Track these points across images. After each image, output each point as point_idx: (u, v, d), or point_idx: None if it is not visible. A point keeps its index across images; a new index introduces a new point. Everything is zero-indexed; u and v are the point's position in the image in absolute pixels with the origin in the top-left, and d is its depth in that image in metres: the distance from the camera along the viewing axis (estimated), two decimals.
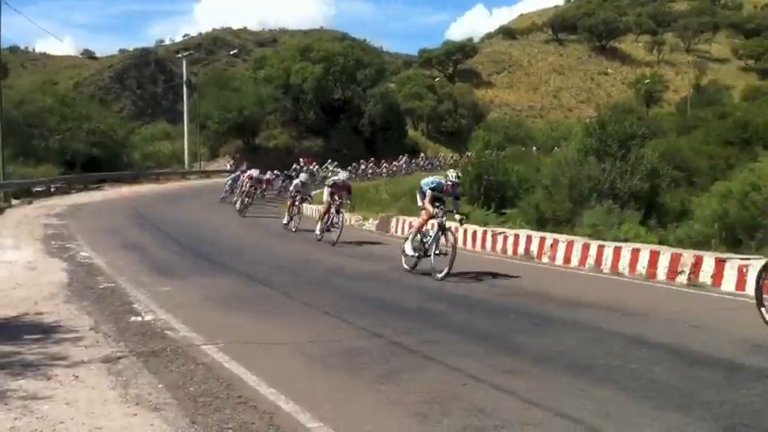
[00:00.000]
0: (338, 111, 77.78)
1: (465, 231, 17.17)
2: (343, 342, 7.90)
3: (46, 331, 8.25)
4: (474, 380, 6.45)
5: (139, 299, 10.30)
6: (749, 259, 11.06)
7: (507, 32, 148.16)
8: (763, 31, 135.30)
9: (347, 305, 10.05)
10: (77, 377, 6.47)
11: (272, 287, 11.59)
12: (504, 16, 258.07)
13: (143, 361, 7.01)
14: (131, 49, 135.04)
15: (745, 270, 10.73)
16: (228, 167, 53.80)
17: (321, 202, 20.31)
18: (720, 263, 11.38)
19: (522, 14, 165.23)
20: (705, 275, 11.57)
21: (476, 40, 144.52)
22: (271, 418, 5.46)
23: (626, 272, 13.21)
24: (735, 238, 16.43)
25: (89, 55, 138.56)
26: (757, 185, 19.00)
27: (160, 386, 6.23)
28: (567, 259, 14.65)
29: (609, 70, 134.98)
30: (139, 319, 9.02)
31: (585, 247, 14.37)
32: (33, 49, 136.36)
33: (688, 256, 11.94)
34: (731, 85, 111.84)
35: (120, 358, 7.12)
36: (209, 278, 12.53)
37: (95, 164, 47.94)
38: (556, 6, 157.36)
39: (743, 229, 16.39)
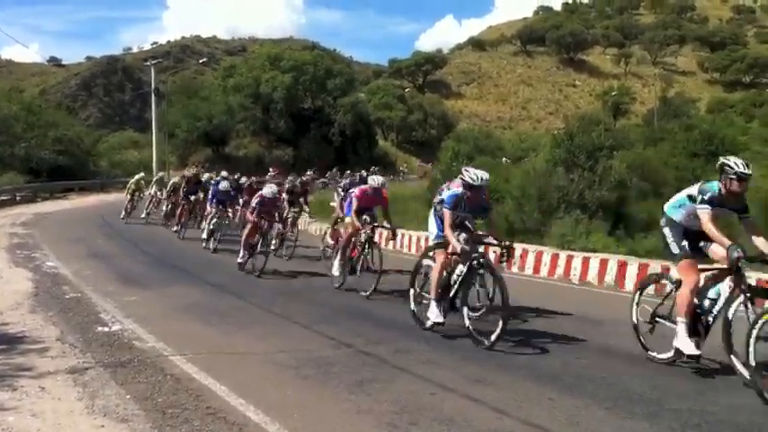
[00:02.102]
0: (308, 120, 77.68)
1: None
2: (313, 352, 7.87)
3: (11, 342, 8.13)
4: (444, 389, 6.46)
5: (106, 309, 10.18)
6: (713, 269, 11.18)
7: (477, 44, 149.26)
8: (728, 44, 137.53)
9: (318, 316, 10.00)
10: (43, 388, 6.38)
11: (242, 297, 11.50)
12: (473, 28, 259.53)
13: (110, 372, 6.93)
14: (99, 57, 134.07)
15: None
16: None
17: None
18: None
19: (491, 26, 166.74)
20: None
21: (445, 51, 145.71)
22: (240, 429, 5.42)
23: (595, 282, 13.32)
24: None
25: (56, 62, 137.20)
26: None
27: (128, 397, 6.15)
28: (537, 269, 14.74)
29: (577, 82, 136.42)
30: (106, 329, 8.91)
31: (554, 258, 14.48)
32: None
33: (655, 267, 12.05)
34: (697, 98, 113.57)
35: (86, 369, 7.03)
36: (177, 288, 12.40)
37: (62, 172, 47.36)
38: (524, 18, 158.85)
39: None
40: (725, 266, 6.91)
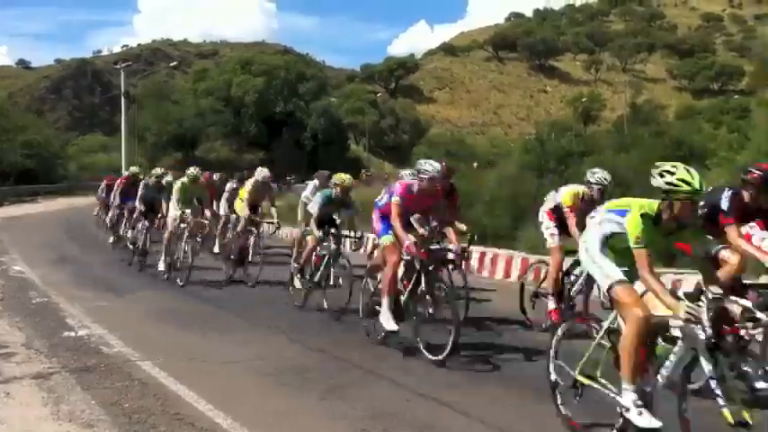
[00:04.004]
0: (280, 124, 77.67)
1: None
2: (286, 358, 7.82)
3: None
4: (417, 395, 6.44)
5: (74, 314, 10.05)
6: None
7: (448, 49, 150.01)
8: (696, 51, 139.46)
9: (290, 321, 9.93)
10: (9, 394, 6.28)
11: (213, 303, 11.40)
12: (445, 33, 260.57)
13: (76, 377, 6.84)
14: (68, 60, 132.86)
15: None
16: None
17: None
18: None
19: (463, 32, 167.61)
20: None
21: (418, 56, 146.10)
22: None
23: None
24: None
25: (24, 65, 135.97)
26: None
27: (93, 403, 6.07)
28: (507, 273, 14.76)
29: (548, 88, 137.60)
30: (73, 334, 8.80)
31: (524, 262, 14.52)
32: None
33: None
34: (666, 104, 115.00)
35: (52, 374, 6.93)
36: (147, 293, 12.26)
37: (30, 176, 46.89)
38: (496, 25, 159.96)
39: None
40: None
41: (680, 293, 4.89)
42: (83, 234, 23.29)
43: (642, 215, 5.03)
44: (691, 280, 9.42)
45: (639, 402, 4.98)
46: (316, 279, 10.47)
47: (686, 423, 4.71)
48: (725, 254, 6.74)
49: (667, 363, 5.00)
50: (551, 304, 9.07)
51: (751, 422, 4.35)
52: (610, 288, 5.19)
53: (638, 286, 5.18)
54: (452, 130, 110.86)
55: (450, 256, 8.46)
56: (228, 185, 17.36)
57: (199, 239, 13.90)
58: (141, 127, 64.49)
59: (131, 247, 15.85)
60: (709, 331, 4.55)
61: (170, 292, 12.49)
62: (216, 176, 19.11)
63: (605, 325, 5.40)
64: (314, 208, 10.70)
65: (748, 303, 5.05)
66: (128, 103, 60.15)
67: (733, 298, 4.88)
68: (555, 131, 33.27)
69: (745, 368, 4.52)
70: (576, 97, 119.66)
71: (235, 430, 5.49)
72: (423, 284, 7.93)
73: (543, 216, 9.81)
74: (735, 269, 6.53)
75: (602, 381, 5.36)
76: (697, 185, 4.84)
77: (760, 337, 6.14)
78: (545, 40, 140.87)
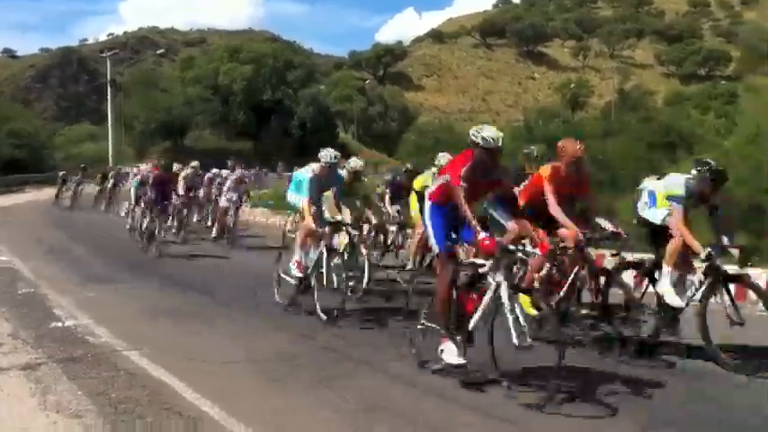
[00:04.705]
0: (268, 112, 77.39)
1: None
2: (275, 346, 7.81)
3: None
4: (407, 385, 6.47)
5: (61, 304, 10.00)
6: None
7: (437, 36, 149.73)
8: (684, 37, 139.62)
9: (279, 309, 9.92)
10: None
11: (202, 292, 11.36)
12: (433, 20, 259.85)
13: (63, 367, 6.81)
14: (54, 49, 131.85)
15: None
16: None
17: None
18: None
19: (450, 18, 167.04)
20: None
21: (406, 43, 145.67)
22: (195, 425, 5.37)
23: None
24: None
25: (10, 54, 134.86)
26: None
27: (80, 393, 6.06)
28: None
29: (536, 75, 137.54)
30: (60, 324, 8.76)
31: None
32: None
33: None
34: (654, 90, 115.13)
35: (39, 365, 6.90)
36: (135, 284, 12.20)
37: (18, 166, 46.64)
38: (484, 11, 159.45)
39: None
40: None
41: None
42: (70, 224, 23.18)
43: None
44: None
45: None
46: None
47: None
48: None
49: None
50: None
51: None
52: None
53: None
54: (441, 117, 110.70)
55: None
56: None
57: None
58: (128, 115, 64.13)
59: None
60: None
61: (157, 282, 12.42)
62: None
63: None
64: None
65: None
66: (114, 92, 59.86)
67: None
68: (543, 118, 33.28)
69: None
70: (565, 84, 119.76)
71: (223, 419, 5.48)
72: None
73: None
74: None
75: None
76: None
77: None
78: (533, 27, 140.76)
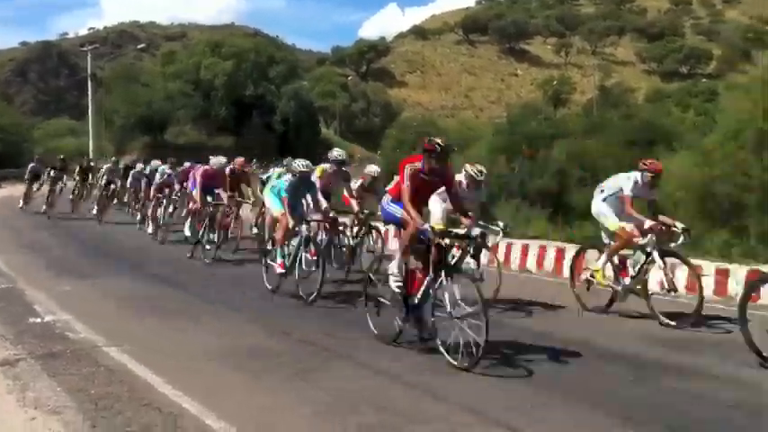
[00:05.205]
0: (250, 107, 77.13)
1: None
2: (253, 341, 7.81)
3: None
4: (383, 376, 6.49)
5: (40, 300, 9.92)
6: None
7: (419, 32, 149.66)
8: (665, 35, 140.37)
9: (261, 304, 9.90)
10: None
11: (181, 287, 11.32)
12: (416, 16, 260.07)
13: (42, 363, 6.77)
14: (34, 43, 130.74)
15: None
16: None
17: None
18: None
19: (433, 15, 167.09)
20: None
21: (388, 39, 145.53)
22: (175, 420, 5.34)
23: (533, 269, 13.47)
24: None
25: None
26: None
27: (59, 389, 6.02)
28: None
29: (518, 71, 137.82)
30: (39, 320, 8.69)
31: (494, 246, 14.54)
32: None
33: (593, 253, 12.20)
34: (635, 87, 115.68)
35: (18, 361, 6.85)
36: (113, 278, 12.14)
37: None
38: (467, 8, 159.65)
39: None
40: None
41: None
42: (49, 220, 22.88)
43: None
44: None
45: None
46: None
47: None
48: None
49: None
50: None
51: None
52: None
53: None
54: (424, 113, 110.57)
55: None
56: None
57: None
58: (109, 110, 63.72)
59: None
60: None
61: (135, 277, 12.34)
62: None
63: None
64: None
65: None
66: (95, 87, 59.39)
67: None
68: (525, 114, 33.37)
69: None
70: (547, 80, 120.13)
71: (202, 414, 5.45)
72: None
73: None
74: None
75: None
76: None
77: None
78: (516, 23, 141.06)
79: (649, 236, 8.90)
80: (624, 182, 9.29)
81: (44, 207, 23.08)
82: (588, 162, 30.52)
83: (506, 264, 13.94)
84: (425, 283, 7.19)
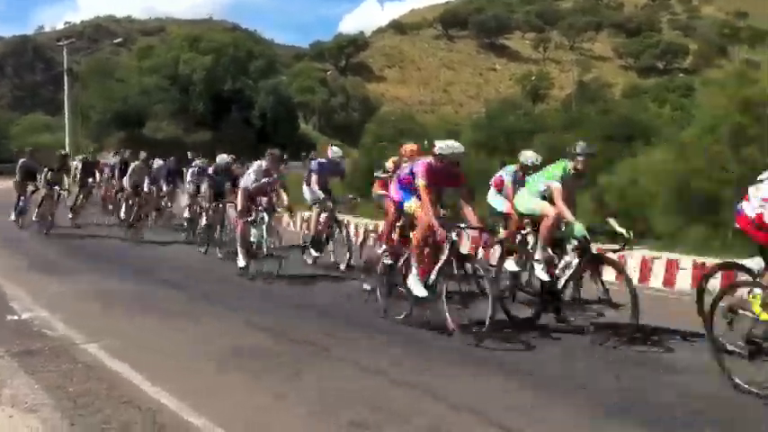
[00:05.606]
0: (228, 102, 76.84)
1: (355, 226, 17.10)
2: (242, 339, 7.76)
3: None
4: (383, 376, 6.47)
5: (17, 297, 9.83)
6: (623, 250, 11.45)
7: (398, 27, 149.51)
8: (643, 30, 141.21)
9: (250, 302, 9.85)
10: None
11: (164, 285, 11.24)
12: (395, 10, 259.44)
13: (19, 361, 6.70)
14: (9, 37, 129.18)
15: (624, 260, 11.14)
16: None
17: None
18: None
19: (412, 9, 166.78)
20: None
21: (367, 33, 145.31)
22: (154, 417, 5.29)
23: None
24: (614, 230, 17.07)
25: None
26: (635, 180, 19.83)
27: (37, 387, 5.96)
28: None
29: (497, 66, 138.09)
30: (16, 317, 8.62)
31: (475, 241, 14.57)
32: None
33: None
34: (613, 83, 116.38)
35: None
36: (94, 275, 12.03)
37: None
38: (446, 2, 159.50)
39: (621, 221, 17.22)
40: None
41: None
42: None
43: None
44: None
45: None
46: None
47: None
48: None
49: None
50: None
51: None
52: None
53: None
54: (403, 108, 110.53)
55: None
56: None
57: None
58: (85, 106, 63.17)
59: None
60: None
61: (116, 274, 12.21)
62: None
63: None
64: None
65: None
66: (71, 82, 58.78)
67: None
68: (504, 110, 33.50)
69: None
70: (526, 75, 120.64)
71: (182, 411, 5.42)
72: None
73: None
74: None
75: None
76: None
77: None
78: (495, 18, 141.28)
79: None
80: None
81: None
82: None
83: (487, 258, 13.92)
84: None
